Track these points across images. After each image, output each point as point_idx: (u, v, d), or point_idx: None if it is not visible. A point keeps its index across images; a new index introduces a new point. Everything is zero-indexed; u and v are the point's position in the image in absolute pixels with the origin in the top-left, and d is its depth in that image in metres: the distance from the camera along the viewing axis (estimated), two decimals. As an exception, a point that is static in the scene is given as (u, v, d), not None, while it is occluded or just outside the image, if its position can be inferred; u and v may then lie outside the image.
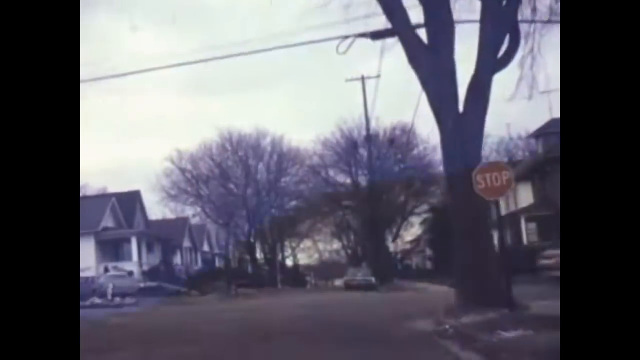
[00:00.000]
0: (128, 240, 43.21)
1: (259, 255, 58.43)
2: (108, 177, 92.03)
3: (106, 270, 39.16)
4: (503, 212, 17.29)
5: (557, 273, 10.75)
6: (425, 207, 55.32)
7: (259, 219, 53.58)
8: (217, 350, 10.11)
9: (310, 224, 61.28)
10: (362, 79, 41.96)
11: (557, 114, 31.23)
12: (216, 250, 62.93)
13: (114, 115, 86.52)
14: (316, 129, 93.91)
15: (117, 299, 30.34)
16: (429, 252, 58.52)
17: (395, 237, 58.01)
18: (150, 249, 46.84)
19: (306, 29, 26.15)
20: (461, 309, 11.51)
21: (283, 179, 54.93)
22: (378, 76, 31.90)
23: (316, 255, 74.14)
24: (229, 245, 56.29)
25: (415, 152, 51.68)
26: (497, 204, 11.99)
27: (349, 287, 39.32)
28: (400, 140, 48.09)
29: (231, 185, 54.20)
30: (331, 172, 54.61)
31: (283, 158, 53.92)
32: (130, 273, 38.86)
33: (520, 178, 30.84)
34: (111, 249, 43.04)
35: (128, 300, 30.15)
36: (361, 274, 41.85)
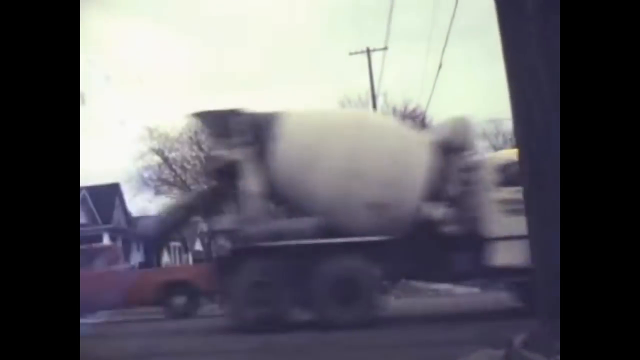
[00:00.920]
0: (100, 239, 38.17)
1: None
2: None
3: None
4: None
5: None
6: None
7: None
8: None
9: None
10: (368, 51, 37.46)
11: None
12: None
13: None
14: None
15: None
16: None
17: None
18: (128, 248, 41.48)
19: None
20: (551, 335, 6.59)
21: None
22: (385, 48, 30.39)
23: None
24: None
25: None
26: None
27: None
28: (413, 120, 42.70)
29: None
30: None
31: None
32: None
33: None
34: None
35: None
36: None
